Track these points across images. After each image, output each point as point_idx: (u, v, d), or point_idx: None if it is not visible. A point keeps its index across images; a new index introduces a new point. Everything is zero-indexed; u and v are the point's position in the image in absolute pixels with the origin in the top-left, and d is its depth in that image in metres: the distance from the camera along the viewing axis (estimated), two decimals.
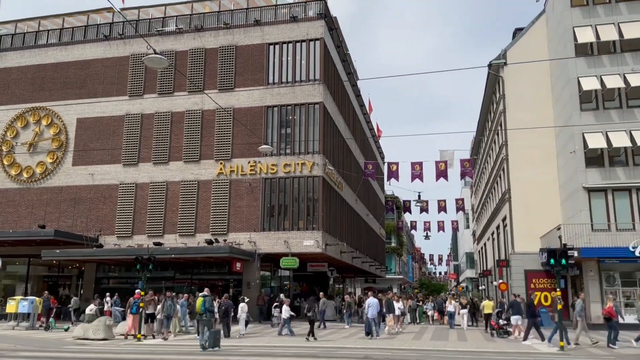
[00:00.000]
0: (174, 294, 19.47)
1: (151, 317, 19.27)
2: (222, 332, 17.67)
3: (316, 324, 20.06)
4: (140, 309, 18.65)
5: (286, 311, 19.91)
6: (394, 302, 22.32)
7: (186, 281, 30.04)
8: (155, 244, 27.23)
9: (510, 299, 27.93)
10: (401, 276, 66.84)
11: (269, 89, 29.54)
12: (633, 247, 22.66)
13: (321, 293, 24.09)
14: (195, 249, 26.74)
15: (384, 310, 21.65)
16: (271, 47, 30.03)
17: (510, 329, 20.18)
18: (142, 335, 18.41)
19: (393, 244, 64.28)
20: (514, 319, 19.68)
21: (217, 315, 18.89)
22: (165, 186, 29.75)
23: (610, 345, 16.32)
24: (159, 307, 19.50)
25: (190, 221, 28.90)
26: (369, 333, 19.45)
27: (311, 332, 18.40)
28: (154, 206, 29.63)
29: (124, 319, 19.36)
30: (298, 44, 29.72)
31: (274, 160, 28.52)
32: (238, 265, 26.54)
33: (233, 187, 28.93)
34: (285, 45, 29.89)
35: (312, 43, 29.47)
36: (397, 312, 22.51)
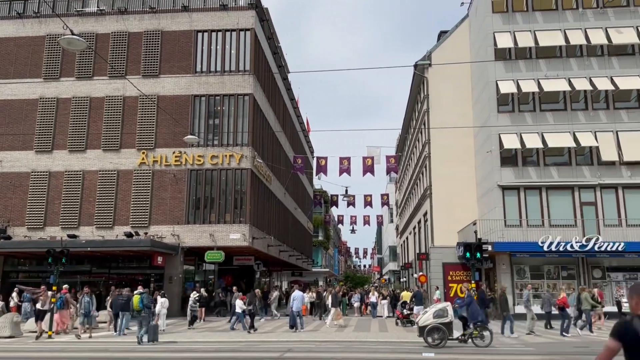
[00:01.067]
0: (87, 290, 18.42)
1: (42, 314, 18.08)
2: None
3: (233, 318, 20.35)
4: (62, 305, 17.71)
5: (239, 306, 19.72)
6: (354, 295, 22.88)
7: (103, 275, 28.64)
8: (69, 236, 25.72)
9: (431, 290, 29.17)
10: (327, 269, 67.75)
11: (196, 78, 28.72)
12: (542, 242, 24.32)
13: (234, 288, 23.76)
14: (114, 242, 25.55)
15: (329, 303, 22.21)
16: (199, 34, 29.19)
17: (414, 318, 21.31)
18: (52, 332, 17.34)
19: (320, 238, 64.95)
20: (417, 309, 21.11)
21: (157, 311, 18.53)
22: (82, 175, 28.15)
23: (564, 333, 17.48)
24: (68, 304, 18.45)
25: (109, 213, 27.56)
26: (293, 326, 19.51)
27: (252, 326, 19.16)
28: (68, 196, 27.95)
29: (37, 316, 18.11)
30: (228, 33, 29.11)
31: (201, 151, 27.81)
32: (160, 259, 25.67)
33: (156, 178, 27.91)
34: (214, 34, 29.16)
35: (242, 33, 28.97)
36: (356, 304, 23.01)
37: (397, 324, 22.41)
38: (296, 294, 20.23)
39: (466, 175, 30.71)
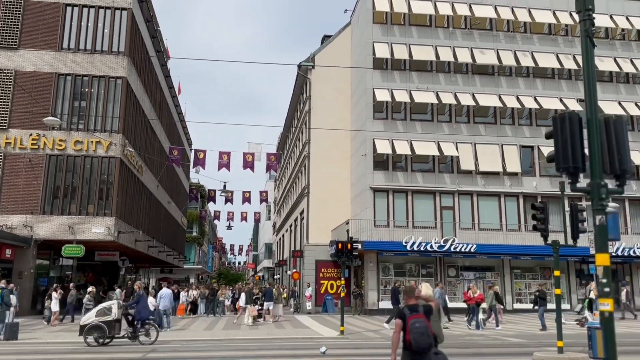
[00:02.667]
0: None
1: None
2: None
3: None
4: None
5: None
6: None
7: None
8: None
9: (303, 286, 29.65)
10: (200, 266, 65.93)
11: (62, 54, 26.16)
12: (405, 242, 25.99)
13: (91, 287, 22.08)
14: None
15: (243, 301, 21.99)
16: (69, 8, 26.65)
17: (268, 314, 22.57)
18: None
19: (194, 234, 63.00)
20: (267, 304, 22.30)
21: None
22: None
23: (481, 327, 18.86)
24: None
25: None
26: (158, 325, 18.57)
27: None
28: None
29: None
30: (102, 10, 26.95)
31: (63, 135, 25.39)
32: (8, 251, 22.95)
33: (8, 162, 24.93)
34: (86, 9, 26.82)
35: (118, 12, 27.01)
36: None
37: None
38: (164, 291, 19.32)
39: (342, 177, 31.79)
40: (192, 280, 59.05)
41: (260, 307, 22.70)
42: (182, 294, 26.79)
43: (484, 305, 19.63)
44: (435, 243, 26.11)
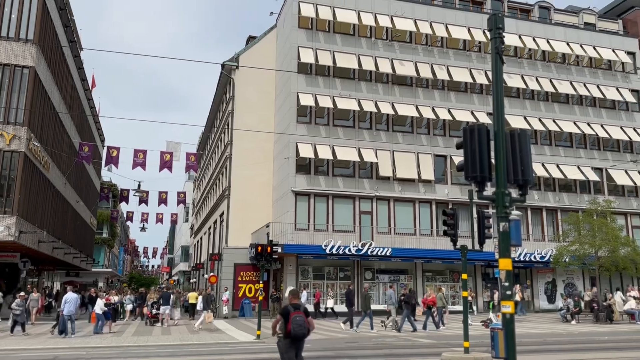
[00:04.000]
0: None
1: None
2: None
3: None
4: None
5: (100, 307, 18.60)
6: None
7: None
8: None
9: (220, 290, 29.09)
10: (110, 269, 62.67)
11: None
12: (325, 246, 26.32)
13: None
14: None
15: (201, 305, 21.85)
16: None
17: (164, 318, 22.58)
18: None
19: (105, 235, 59.78)
20: (163, 308, 22.47)
21: None
22: None
23: (440, 326, 19.61)
24: None
25: None
26: (62, 331, 17.43)
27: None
28: None
29: None
30: None
31: None
32: None
33: None
34: None
35: None
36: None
37: (146, 323, 23.36)
38: (68, 296, 18.14)
39: (264, 179, 31.61)
40: (100, 284, 55.99)
41: (157, 311, 22.95)
42: (100, 300, 24.98)
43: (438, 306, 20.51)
44: (353, 247, 26.67)
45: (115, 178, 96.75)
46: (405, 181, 29.48)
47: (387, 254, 27.22)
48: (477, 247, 13.13)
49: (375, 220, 28.73)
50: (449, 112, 30.57)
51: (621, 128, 33.37)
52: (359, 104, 29.14)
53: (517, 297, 20.22)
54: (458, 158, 28.07)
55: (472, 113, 30.83)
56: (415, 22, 30.91)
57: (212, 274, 32.65)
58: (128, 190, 37.31)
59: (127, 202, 38.24)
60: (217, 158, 39.53)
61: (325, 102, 28.67)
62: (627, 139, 33.19)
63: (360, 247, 26.83)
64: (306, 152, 27.87)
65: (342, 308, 25.37)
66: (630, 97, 33.84)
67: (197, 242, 52.82)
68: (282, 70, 30.34)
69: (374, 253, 27.00)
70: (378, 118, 30.09)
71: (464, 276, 13.47)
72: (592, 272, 27.95)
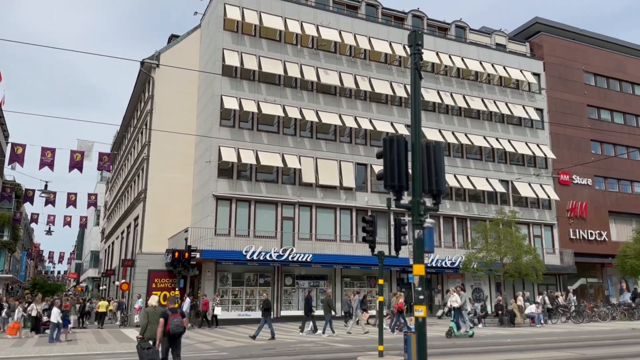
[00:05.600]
0: None
1: None
2: None
3: None
4: None
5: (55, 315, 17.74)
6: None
7: None
8: None
9: (132, 298, 27.82)
10: (11, 275, 57.90)
11: None
12: (245, 251, 26.02)
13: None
14: None
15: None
16: None
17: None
18: None
19: (5, 238, 55.18)
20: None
21: None
22: None
23: (405, 330, 19.23)
24: None
25: None
26: None
27: None
28: None
29: None
30: None
31: None
32: None
33: None
34: None
35: None
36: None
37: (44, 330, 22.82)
38: None
39: (183, 182, 30.73)
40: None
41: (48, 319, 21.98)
42: (18, 309, 22.82)
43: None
44: (274, 252, 26.58)
45: (19, 177, 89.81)
46: (328, 188, 29.89)
47: (308, 259, 27.41)
48: (393, 253, 13.57)
49: (297, 226, 28.84)
50: (371, 122, 31.43)
51: (526, 144, 35.99)
52: (284, 110, 29.21)
53: (454, 304, 20.64)
54: (378, 167, 28.90)
55: (392, 124, 31.92)
56: (340, 33, 31.56)
57: (123, 280, 31.17)
58: (34, 191, 34.76)
59: (32, 203, 35.60)
60: (133, 159, 37.89)
61: (249, 107, 28.45)
62: (531, 154, 35.85)
63: (281, 253, 26.81)
64: (229, 156, 27.47)
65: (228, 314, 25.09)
66: (534, 115, 36.61)
67: (109, 247, 50.22)
68: (205, 72, 29.74)
69: (295, 259, 27.08)
70: (302, 125, 30.31)
71: (380, 281, 13.86)
72: (497, 277, 29.81)
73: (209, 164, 27.77)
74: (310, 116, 29.69)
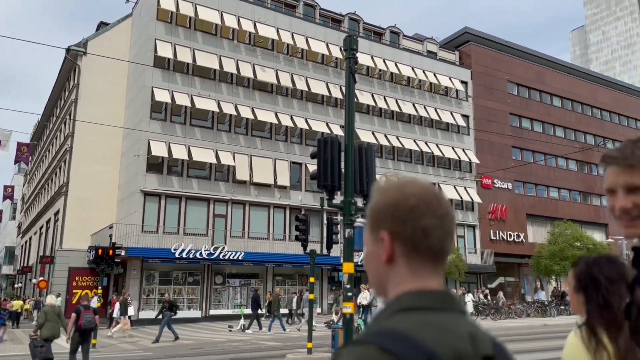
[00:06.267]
0: None
1: None
2: None
3: None
4: None
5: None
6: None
7: None
8: None
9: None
10: None
11: None
12: (174, 249, 25.33)
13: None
14: None
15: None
16: None
17: None
18: None
19: None
20: None
21: None
22: None
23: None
24: None
25: None
26: None
27: None
28: None
29: None
30: None
31: None
32: None
33: None
34: None
35: None
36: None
37: None
38: None
39: (109, 176, 29.45)
40: None
41: None
42: None
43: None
44: (205, 250, 26.08)
45: None
46: (262, 186, 29.74)
47: (240, 258, 27.14)
48: (325, 251, 13.77)
49: (230, 224, 28.48)
50: (307, 121, 31.60)
51: (452, 148, 37.60)
52: (219, 106, 28.73)
53: (363, 301, 21.10)
54: (313, 166, 29.11)
55: (328, 124, 32.27)
56: (278, 31, 31.47)
57: (41, 278, 29.42)
58: None
59: None
60: (55, 150, 35.83)
61: (182, 100, 27.73)
62: (457, 158, 37.50)
63: (212, 251, 26.35)
64: (159, 150, 26.63)
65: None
66: (461, 121, 38.33)
67: (26, 242, 47.16)
68: (136, 63, 28.65)
69: (227, 257, 26.72)
70: (237, 121, 29.95)
71: (312, 279, 14.01)
72: None
73: (137, 157, 26.79)
74: (245, 113, 29.41)
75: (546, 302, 30.83)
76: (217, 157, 28.26)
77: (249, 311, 21.44)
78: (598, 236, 41.05)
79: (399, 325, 0.87)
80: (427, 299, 0.93)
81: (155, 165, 27.13)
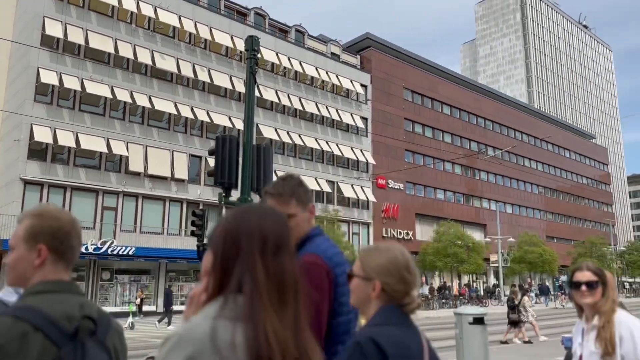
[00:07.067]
0: None
1: None
2: None
3: None
4: None
5: None
6: None
7: None
8: None
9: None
10: None
11: None
12: None
13: None
14: None
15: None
16: None
17: None
18: None
19: None
20: None
21: None
22: None
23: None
24: None
25: None
26: None
27: None
28: None
29: None
30: None
31: None
32: None
33: None
34: None
35: None
36: None
37: None
38: None
39: None
40: None
41: None
42: None
43: None
44: (92, 245, 24.63)
45: None
46: (158, 178, 28.66)
47: (130, 253, 25.98)
48: None
49: (120, 217, 27.13)
50: (208, 114, 30.97)
51: (351, 149, 38.93)
52: (112, 92, 27.21)
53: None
54: (213, 160, 28.63)
55: (230, 119, 31.88)
56: (180, 19, 30.47)
57: None
58: None
59: None
60: None
61: (71, 84, 25.88)
62: (355, 158, 38.89)
63: (99, 246, 24.95)
64: (43, 136, 24.65)
65: None
66: (360, 123, 39.78)
67: None
68: (19, 43, 26.21)
69: (116, 252, 25.45)
70: (133, 110, 28.58)
71: None
72: None
73: (17, 143, 24.58)
74: (142, 101, 28.15)
75: (429, 296, 33.07)
76: (108, 146, 26.77)
77: (159, 308, 20.73)
78: (477, 235, 44.82)
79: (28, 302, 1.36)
80: (49, 286, 1.42)
81: (38, 151, 25.08)
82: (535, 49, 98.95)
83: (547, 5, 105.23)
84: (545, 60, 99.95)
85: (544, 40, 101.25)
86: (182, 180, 29.64)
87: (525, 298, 15.36)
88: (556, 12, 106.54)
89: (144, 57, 28.63)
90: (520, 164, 55.18)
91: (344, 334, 1.92)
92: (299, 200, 2.09)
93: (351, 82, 39.67)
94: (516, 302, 14.87)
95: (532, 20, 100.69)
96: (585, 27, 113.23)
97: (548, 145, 59.73)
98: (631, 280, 61.39)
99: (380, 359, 1.44)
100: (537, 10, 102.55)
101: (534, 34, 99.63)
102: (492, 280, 46.58)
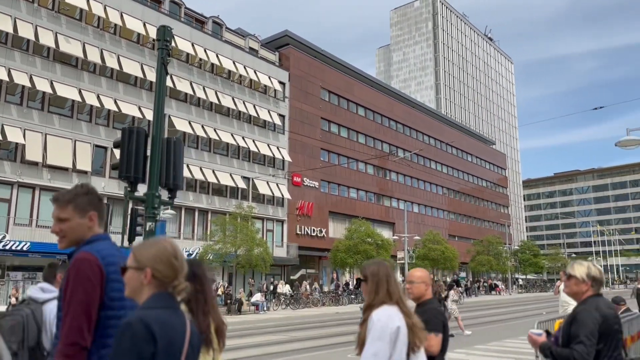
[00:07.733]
0: None
1: None
2: None
3: None
4: None
5: None
6: None
7: None
8: None
9: None
10: None
11: None
12: None
13: None
14: None
15: None
16: None
17: None
18: None
19: None
20: None
21: None
22: None
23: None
24: None
25: None
26: None
27: None
28: None
29: None
30: None
31: None
32: None
33: None
34: None
35: None
36: None
37: None
38: None
39: None
40: None
41: None
42: None
43: None
44: None
45: None
46: (58, 169, 26.83)
47: (25, 248, 24.13)
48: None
49: (15, 210, 25.09)
50: (116, 103, 29.46)
51: (268, 145, 38.82)
52: (9, 74, 25.08)
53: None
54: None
55: (140, 109, 30.55)
56: (88, 1, 28.71)
57: None
58: None
59: None
60: None
61: None
62: (272, 155, 38.84)
63: None
64: None
65: None
66: (277, 120, 39.76)
67: None
68: None
69: (8, 247, 23.52)
70: (32, 94, 26.51)
71: None
72: (230, 268, 31.36)
73: None
74: (42, 86, 26.20)
75: (339, 292, 33.86)
76: (2, 132, 24.66)
77: None
78: (386, 233, 46.54)
79: None
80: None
81: None
82: (444, 57, 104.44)
83: (457, 17, 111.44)
84: (453, 69, 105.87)
85: (452, 50, 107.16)
86: (85, 172, 27.99)
87: (452, 292, 16.04)
88: (465, 23, 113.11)
89: (47, 39, 26.66)
90: (427, 166, 58.06)
91: (115, 328, 2.00)
92: (76, 207, 2.33)
93: (269, 78, 39.54)
94: (443, 296, 14.65)
95: (443, 30, 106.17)
96: (491, 39, 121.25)
97: (452, 150, 63.35)
98: (523, 277, 66.83)
99: (148, 338, 1.66)
100: (447, 20, 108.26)
101: (443, 43, 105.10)
102: (399, 277, 48.57)
